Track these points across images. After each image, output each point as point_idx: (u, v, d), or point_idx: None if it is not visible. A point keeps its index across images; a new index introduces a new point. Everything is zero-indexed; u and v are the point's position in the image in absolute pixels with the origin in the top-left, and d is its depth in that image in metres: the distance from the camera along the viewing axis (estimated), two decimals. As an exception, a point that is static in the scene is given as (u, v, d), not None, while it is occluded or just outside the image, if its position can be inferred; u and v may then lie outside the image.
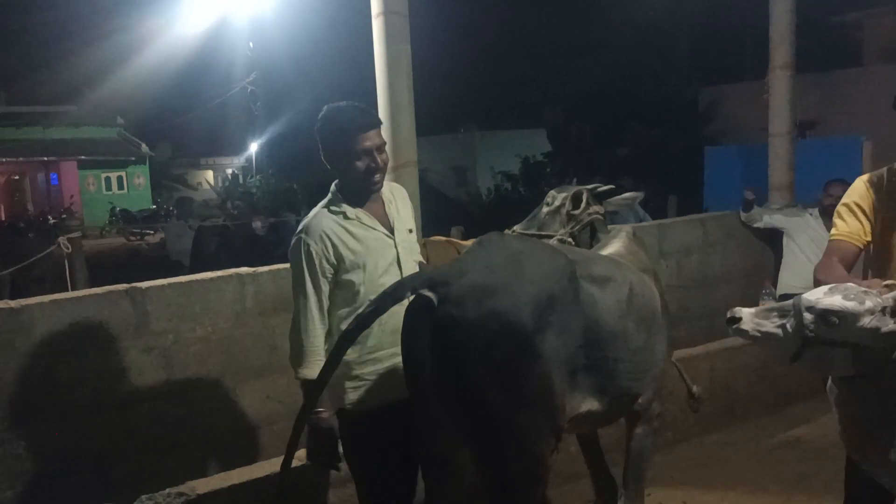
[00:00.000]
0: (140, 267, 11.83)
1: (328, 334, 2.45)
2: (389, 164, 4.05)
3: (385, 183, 2.58)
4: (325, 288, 2.42)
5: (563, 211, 3.39)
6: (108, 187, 29.71)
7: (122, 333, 3.30)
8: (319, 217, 2.45)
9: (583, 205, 3.37)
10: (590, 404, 2.37)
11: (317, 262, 2.39)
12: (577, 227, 3.33)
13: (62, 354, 3.16)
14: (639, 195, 3.62)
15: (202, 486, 2.93)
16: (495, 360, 2.09)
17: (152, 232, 20.91)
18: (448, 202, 23.04)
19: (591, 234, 3.29)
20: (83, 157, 28.06)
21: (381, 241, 2.47)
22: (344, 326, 2.37)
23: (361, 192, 2.48)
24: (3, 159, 27.09)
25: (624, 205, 3.51)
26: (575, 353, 2.24)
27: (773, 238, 5.77)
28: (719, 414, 4.65)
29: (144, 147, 30.50)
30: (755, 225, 5.70)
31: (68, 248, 6.49)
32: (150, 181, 31.21)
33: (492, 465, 2.18)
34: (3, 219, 23.21)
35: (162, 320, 3.39)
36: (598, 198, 3.48)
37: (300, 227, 2.46)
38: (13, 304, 3.11)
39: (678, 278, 5.36)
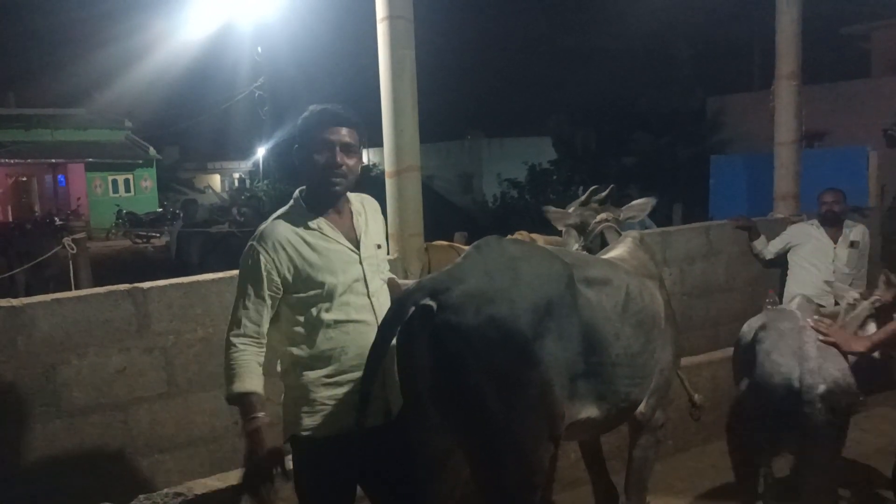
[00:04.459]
0: (145, 269, 11.85)
1: (290, 362, 2.30)
2: (392, 169, 4.13)
3: (356, 195, 2.45)
4: (269, 302, 2.24)
5: (575, 228, 3.42)
6: (115, 190, 29.80)
7: (124, 333, 3.30)
8: (276, 225, 2.28)
9: (588, 216, 3.38)
10: (589, 411, 2.36)
11: (264, 273, 2.22)
12: (588, 240, 3.33)
13: (63, 354, 3.16)
14: (651, 200, 3.56)
15: (200, 486, 2.94)
16: (494, 367, 2.07)
17: (158, 235, 20.98)
18: (454, 209, 23.06)
19: (601, 243, 3.26)
20: (91, 159, 28.16)
21: (345, 256, 2.29)
22: (301, 356, 2.27)
23: (323, 196, 2.31)
24: (12, 161, 27.22)
25: (638, 209, 3.49)
26: (574, 360, 2.23)
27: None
28: (721, 423, 4.61)
29: (152, 150, 30.63)
30: (767, 258, 5.63)
31: (73, 249, 6.51)
32: (157, 184, 31.33)
33: (489, 472, 2.17)
34: (11, 220, 23.30)
35: (163, 321, 3.38)
36: (603, 202, 3.46)
37: (254, 234, 2.29)
38: (15, 302, 3.11)
39: (681, 286, 5.34)
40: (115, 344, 3.27)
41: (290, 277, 2.24)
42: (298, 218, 2.30)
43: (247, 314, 2.23)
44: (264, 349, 2.27)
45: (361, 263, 2.32)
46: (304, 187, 2.37)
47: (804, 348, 2.91)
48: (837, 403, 2.82)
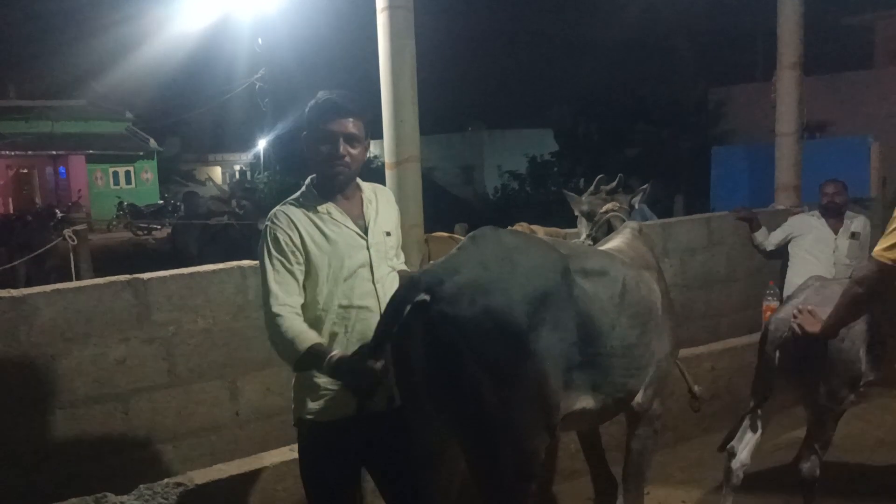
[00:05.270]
0: (146, 261, 11.86)
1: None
2: (392, 160, 4.13)
3: (370, 184, 2.51)
4: (298, 274, 2.26)
5: (584, 215, 3.46)
6: (116, 182, 29.86)
7: (124, 324, 3.30)
8: (287, 207, 2.35)
9: (596, 205, 3.39)
10: (584, 401, 2.36)
11: (284, 246, 2.26)
12: (595, 228, 3.34)
13: (64, 344, 3.16)
14: (644, 187, 3.62)
15: (200, 476, 2.95)
16: (489, 358, 2.06)
17: (159, 227, 21.00)
18: (455, 200, 23.08)
19: (608, 232, 3.27)
20: (91, 151, 28.19)
21: (352, 240, 2.34)
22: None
23: (330, 183, 2.36)
24: (12, 153, 27.24)
25: (638, 196, 3.53)
26: (569, 350, 2.22)
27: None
28: (721, 414, 4.63)
29: (153, 142, 30.66)
30: (768, 249, 5.63)
31: (74, 241, 6.52)
32: (157, 176, 31.34)
33: (484, 463, 2.17)
34: (12, 211, 23.32)
35: (163, 311, 3.38)
36: (612, 192, 3.47)
37: (268, 217, 2.35)
38: (15, 292, 3.11)
39: (682, 278, 5.34)
40: (115, 334, 3.28)
41: (301, 255, 2.28)
42: (309, 202, 2.36)
43: (278, 287, 2.24)
44: (301, 314, 2.27)
45: (368, 249, 2.35)
46: (314, 175, 2.42)
47: (788, 304, 3.32)
48: (798, 351, 3.13)
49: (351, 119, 2.31)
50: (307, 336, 2.19)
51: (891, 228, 2.74)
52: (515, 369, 2.09)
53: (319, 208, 2.33)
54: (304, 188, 2.41)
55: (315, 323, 2.30)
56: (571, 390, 2.28)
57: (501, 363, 2.07)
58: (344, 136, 2.30)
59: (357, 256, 2.33)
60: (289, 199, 2.40)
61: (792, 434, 4.55)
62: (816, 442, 3.23)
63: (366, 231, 2.37)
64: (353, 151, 2.33)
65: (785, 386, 3.27)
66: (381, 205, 2.46)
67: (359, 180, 2.45)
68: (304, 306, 2.30)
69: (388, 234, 2.44)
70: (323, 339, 2.26)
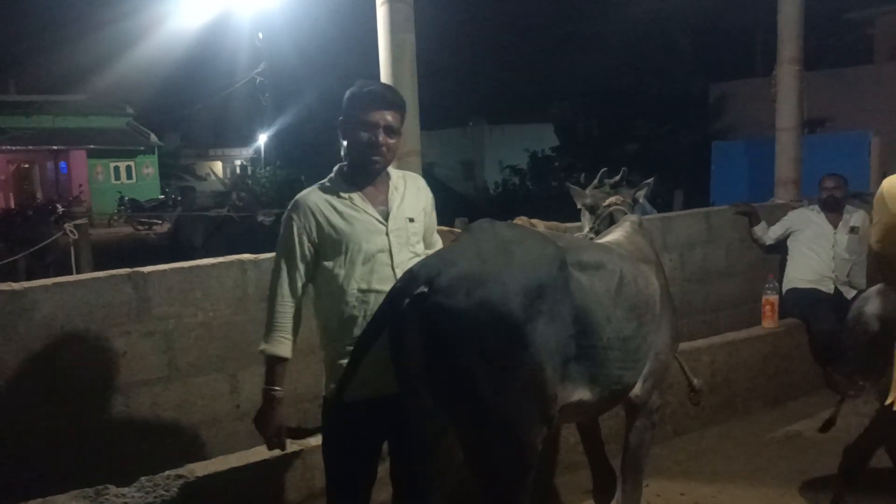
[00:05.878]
0: (146, 256, 11.87)
1: (322, 328, 2.45)
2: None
3: (400, 171, 2.56)
4: (302, 268, 2.39)
5: (587, 209, 3.47)
6: (117, 176, 29.84)
7: (124, 317, 3.30)
8: (309, 193, 2.42)
9: (599, 198, 3.40)
10: (581, 393, 2.36)
11: (296, 238, 2.37)
12: (598, 222, 3.34)
13: (63, 337, 3.16)
14: (648, 181, 3.62)
15: (201, 468, 2.96)
16: (485, 349, 2.07)
17: (160, 221, 21.02)
18: (455, 196, 23.04)
19: (610, 225, 3.27)
20: (92, 146, 28.19)
21: (370, 225, 2.38)
22: (330, 323, 2.39)
23: (362, 171, 2.42)
24: (13, 147, 27.25)
25: (642, 190, 3.53)
26: (566, 342, 2.23)
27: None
28: (719, 407, 4.65)
29: (153, 137, 30.65)
30: (767, 243, 5.63)
31: (74, 235, 6.53)
32: (158, 171, 31.34)
33: (481, 454, 2.18)
34: (13, 206, 23.33)
35: (163, 305, 3.39)
36: (616, 185, 3.48)
37: (290, 204, 2.44)
38: (15, 286, 3.11)
39: (681, 272, 5.34)
40: (115, 328, 3.28)
41: (317, 242, 2.38)
42: (333, 188, 2.42)
43: (283, 275, 2.40)
44: (294, 308, 2.41)
45: (388, 235, 2.39)
46: (344, 163, 2.48)
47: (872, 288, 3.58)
48: (863, 331, 3.36)
49: (391, 111, 2.38)
50: (283, 344, 2.38)
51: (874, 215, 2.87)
52: (511, 361, 2.09)
53: (342, 194, 2.40)
54: (332, 174, 2.47)
55: (333, 306, 2.37)
56: (568, 382, 2.29)
57: (497, 354, 2.07)
58: (384, 126, 2.37)
59: (375, 241, 2.37)
60: (317, 183, 2.47)
61: (791, 428, 4.58)
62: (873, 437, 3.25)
63: (387, 217, 2.41)
64: (391, 142, 2.40)
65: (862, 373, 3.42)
66: (409, 191, 2.50)
67: (388, 167, 2.50)
68: (320, 288, 2.41)
69: (412, 220, 2.47)
70: (341, 326, 2.37)
